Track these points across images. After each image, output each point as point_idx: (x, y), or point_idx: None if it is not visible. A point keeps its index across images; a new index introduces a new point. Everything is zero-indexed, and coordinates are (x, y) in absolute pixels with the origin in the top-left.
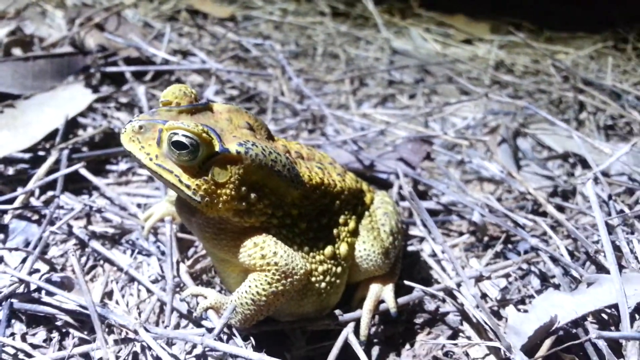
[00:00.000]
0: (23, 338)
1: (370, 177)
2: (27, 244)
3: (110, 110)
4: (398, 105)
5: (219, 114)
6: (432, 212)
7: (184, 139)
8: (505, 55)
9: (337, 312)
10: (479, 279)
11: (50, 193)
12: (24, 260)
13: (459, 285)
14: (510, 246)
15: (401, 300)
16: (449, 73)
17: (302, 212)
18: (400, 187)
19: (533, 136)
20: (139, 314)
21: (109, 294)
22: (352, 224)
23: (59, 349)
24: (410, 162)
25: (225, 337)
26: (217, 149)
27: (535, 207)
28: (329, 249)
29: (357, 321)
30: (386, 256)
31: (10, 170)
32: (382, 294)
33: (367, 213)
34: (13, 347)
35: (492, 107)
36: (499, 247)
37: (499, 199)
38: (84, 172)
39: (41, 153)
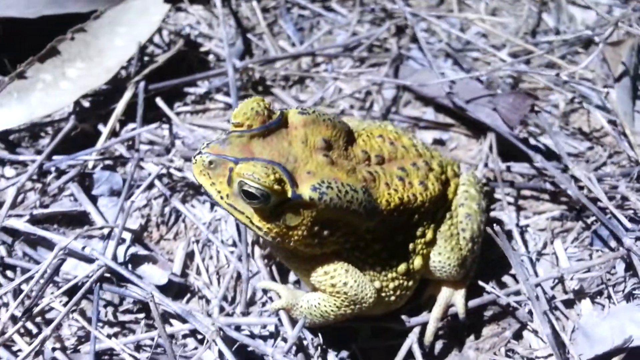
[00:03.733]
0: (114, 315)
1: (461, 116)
2: (112, 192)
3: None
4: None
5: (293, 130)
6: (524, 176)
7: (254, 191)
8: None
9: (404, 317)
10: (560, 279)
11: (130, 125)
12: (109, 235)
13: (537, 285)
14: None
15: (472, 303)
16: None
17: (377, 235)
18: (490, 148)
19: None
20: (219, 279)
21: (190, 255)
22: (429, 235)
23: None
24: (508, 121)
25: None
26: (289, 195)
27: None
28: (402, 267)
29: (423, 325)
30: (462, 266)
31: (87, 103)
32: (452, 298)
33: (447, 215)
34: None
35: None
36: (588, 222)
37: (603, 164)
38: (161, 104)
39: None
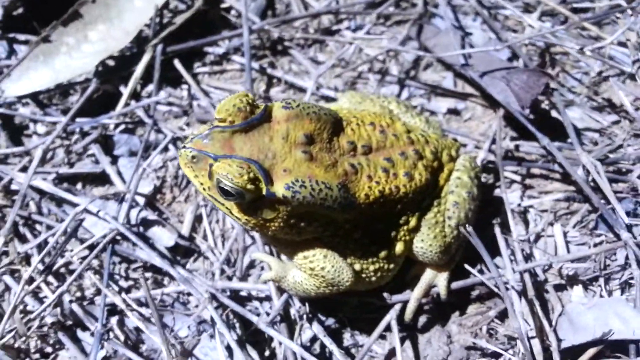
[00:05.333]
0: (126, 272)
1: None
2: (131, 153)
3: None
4: None
5: (276, 126)
6: (534, 155)
7: (229, 189)
8: None
9: (386, 294)
10: (549, 266)
11: (150, 87)
12: (123, 198)
13: (524, 271)
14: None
15: (456, 285)
16: None
17: (356, 225)
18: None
19: None
20: (223, 242)
21: (198, 218)
22: (413, 222)
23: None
24: (520, 99)
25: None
26: (264, 193)
27: None
28: (383, 252)
29: (405, 302)
30: (445, 253)
31: (111, 62)
32: (435, 280)
33: (435, 202)
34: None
35: None
36: (595, 205)
37: (619, 147)
38: (179, 66)
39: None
